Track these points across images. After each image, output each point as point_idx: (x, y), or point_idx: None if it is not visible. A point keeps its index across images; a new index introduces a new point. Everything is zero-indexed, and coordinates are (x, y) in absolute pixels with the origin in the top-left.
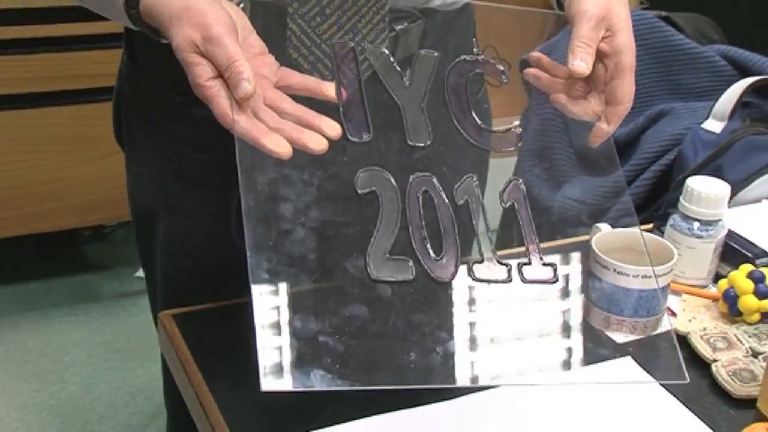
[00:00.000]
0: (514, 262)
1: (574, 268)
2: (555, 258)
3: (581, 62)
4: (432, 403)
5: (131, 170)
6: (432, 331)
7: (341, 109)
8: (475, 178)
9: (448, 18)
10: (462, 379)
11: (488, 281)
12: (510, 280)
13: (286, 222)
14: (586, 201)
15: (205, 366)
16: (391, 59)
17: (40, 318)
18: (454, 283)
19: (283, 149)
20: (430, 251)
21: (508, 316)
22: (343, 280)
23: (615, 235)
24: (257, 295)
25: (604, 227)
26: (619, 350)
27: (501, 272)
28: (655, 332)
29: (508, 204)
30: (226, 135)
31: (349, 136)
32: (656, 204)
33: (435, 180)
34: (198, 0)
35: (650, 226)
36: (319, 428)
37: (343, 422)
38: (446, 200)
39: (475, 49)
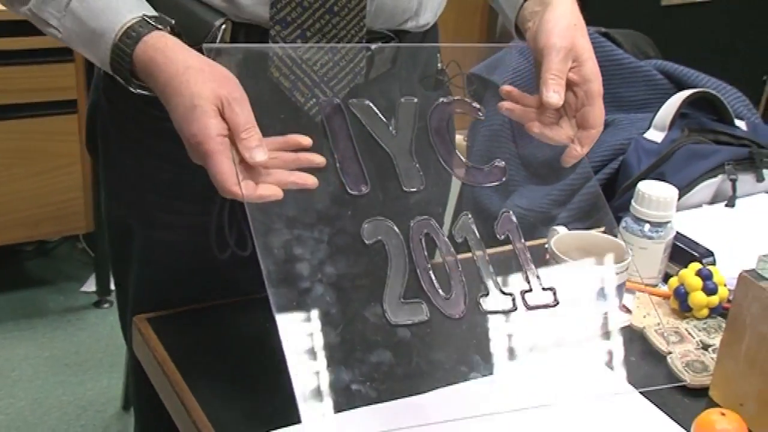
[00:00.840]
0: (516, 291)
1: None
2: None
3: (554, 94)
4: (408, 396)
5: (107, 183)
6: (452, 367)
7: (338, 165)
8: (469, 216)
9: (417, 37)
10: (482, 408)
11: (496, 312)
12: (515, 309)
13: (305, 281)
14: (534, 209)
15: (182, 366)
16: (376, 110)
17: None
18: (465, 317)
19: (276, 191)
20: (440, 291)
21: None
22: (365, 329)
23: (571, 236)
24: (291, 354)
25: (561, 230)
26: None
27: (506, 302)
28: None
29: (503, 237)
30: None
31: (349, 190)
32: None
33: (433, 222)
34: (216, 63)
35: (602, 229)
36: (299, 423)
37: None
38: (447, 240)
39: (439, 64)
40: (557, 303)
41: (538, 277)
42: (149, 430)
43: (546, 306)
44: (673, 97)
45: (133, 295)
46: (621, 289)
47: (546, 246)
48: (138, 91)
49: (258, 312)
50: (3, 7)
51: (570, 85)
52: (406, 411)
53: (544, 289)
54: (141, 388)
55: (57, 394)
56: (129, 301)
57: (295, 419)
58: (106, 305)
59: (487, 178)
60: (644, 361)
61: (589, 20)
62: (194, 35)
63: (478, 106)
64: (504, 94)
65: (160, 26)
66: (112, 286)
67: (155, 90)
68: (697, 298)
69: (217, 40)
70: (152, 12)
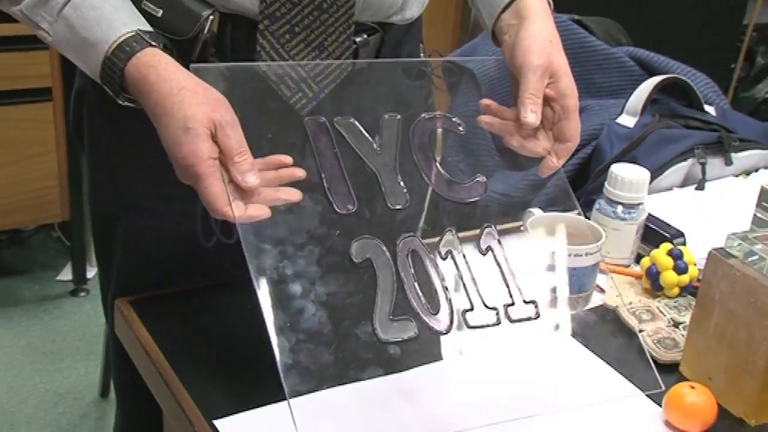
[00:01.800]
0: (500, 305)
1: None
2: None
3: (532, 113)
4: (388, 374)
5: (92, 169)
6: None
7: (326, 184)
8: (454, 231)
9: (402, 29)
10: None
11: (481, 327)
12: (499, 323)
13: (297, 301)
14: (509, 194)
15: (165, 347)
16: (360, 128)
17: None
18: (452, 332)
19: (265, 211)
20: (427, 307)
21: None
22: (357, 347)
23: (546, 218)
24: (287, 377)
25: (537, 212)
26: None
27: (490, 317)
28: (586, 307)
29: (486, 251)
30: None
31: (337, 209)
32: (576, 194)
33: (418, 238)
34: (209, 85)
35: (576, 212)
36: (281, 400)
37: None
38: (432, 257)
39: (422, 54)
40: (539, 316)
41: (519, 290)
42: (131, 414)
43: (528, 319)
44: (645, 83)
45: (116, 280)
46: (595, 269)
47: (522, 228)
48: (126, 104)
49: (240, 294)
50: None
51: (547, 101)
52: (396, 400)
53: (525, 302)
54: (122, 372)
55: (34, 382)
56: (112, 285)
57: (280, 397)
58: (83, 294)
59: (469, 193)
60: (617, 338)
61: (562, 8)
62: (182, 26)
63: (458, 121)
64: (483, 107)
65: (153, 43)
66: (89, 275)
67: (145, 107)
68: (668, 277)
69: (205, 31)
70: (147, 27)
